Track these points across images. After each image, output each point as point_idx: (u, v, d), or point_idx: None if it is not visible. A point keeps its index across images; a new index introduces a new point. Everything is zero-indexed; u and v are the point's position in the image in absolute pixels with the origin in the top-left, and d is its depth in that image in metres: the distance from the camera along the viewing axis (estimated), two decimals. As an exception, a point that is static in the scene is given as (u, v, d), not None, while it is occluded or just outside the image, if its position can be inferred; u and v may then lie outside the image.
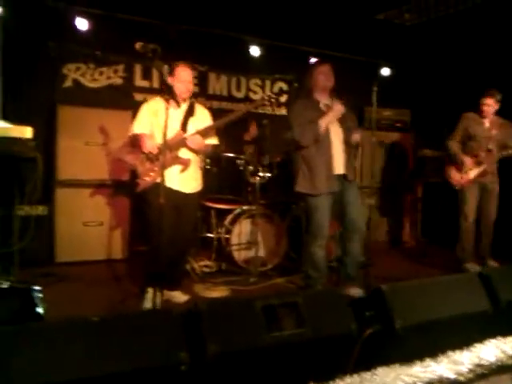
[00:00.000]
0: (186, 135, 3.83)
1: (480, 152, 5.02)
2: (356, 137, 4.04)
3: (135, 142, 3.88)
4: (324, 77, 4.04)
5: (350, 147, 4.09)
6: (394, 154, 6.85)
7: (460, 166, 5.09)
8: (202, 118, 4.00)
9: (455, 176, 5.14)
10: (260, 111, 6.61)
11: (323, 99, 4.10)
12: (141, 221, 4.21)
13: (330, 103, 4.03)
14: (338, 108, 3.94)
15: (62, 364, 1.77)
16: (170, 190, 3.66)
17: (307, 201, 4.09)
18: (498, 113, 5.08)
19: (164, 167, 3.47)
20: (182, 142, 3.81)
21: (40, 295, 2.71)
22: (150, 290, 3.74)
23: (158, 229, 3.31)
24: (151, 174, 3.74)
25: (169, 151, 3.69)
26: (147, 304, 3.74)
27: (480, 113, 5.08)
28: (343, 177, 4.05)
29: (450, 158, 5.20)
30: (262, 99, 4.11)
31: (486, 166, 5.00)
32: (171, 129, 3.67)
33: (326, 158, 3.97)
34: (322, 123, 3.90)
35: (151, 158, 3.77)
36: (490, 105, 5.00)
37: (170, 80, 3.78)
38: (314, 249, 4.08)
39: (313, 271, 4.10)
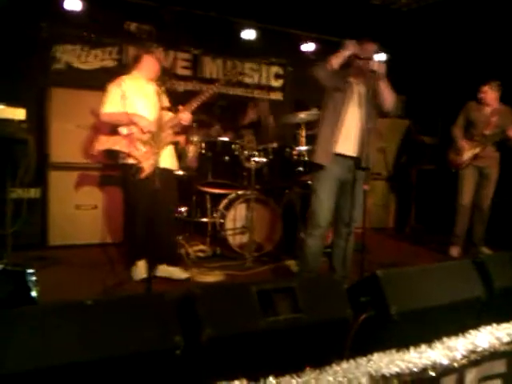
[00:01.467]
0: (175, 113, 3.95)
1: (475, 136, 5.09)
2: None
3: (112, 124, 3.91)
4: None
5: (369, 133, 3.63)
6: (388, 141, 6.84)
7: (457, 150, 5.22)
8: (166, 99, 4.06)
9: (452, 159, 5.29)
10: (255, 96, 6.60)
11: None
12: (128, 203, 4.18)
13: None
14: (375, 60, 3.59)
15: (55, 348, 1.75)
16: (162, 169, 3.65)
17: (312, 175, 3.89)
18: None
19: (161, 148, 3.51)
20: (175, 120, 3.89)
21: (33, 278, 2.69)
22: (139, 263, 3.87)
23: (146, 209, 3.41)
24: (152, 157, 3.73)
25: (162, 131, 3.74)
26: (137, 276, 3.88)
27: (480, 101, 5.19)
28: (355, 162, 3.69)
29: (452, 144, 5.32)
30: (226, 77, 4.33)
31: (479, 150, 5.09)
32: (146, 106, 3.84)
33: (331, 130, 3.68)
34: (334, 56, 3.63)
35: (145, 141, 3.75)
36: (486, 92, 5.11)
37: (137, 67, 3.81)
38: (306, 238, 3.86)
39: (301, 263, 3.95)
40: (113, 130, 3.94)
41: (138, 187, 3.80)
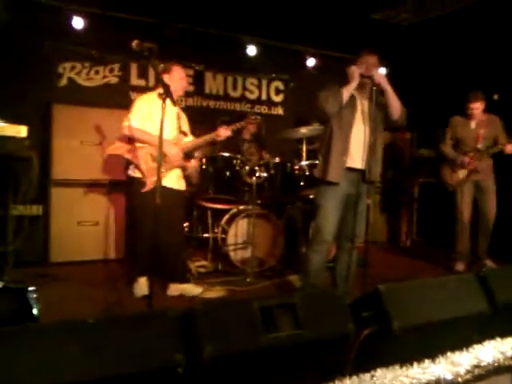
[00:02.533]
0: (185, 139, 4.11)
1: (469, 152, 5.05)
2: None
3: (132, 137, 3.90)
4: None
5: (374, 146, 3.69)
6: (390, 154, 6.85)
7: (454, 166, 5.15)
8: (185, 121, 4.23)
9: (449, 178, 5.20)
10: (256, 110, 6.63)
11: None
12: (131, 217, 4.20)
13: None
14: (377, 74, 3.61)
15: (56, 366, 1.74)
16: (169, 189, 3.83)
17: (317, 190, 3.86)
18: (495, 111, 5.11)
19: (171, 168, 3.82)
20: (212, 136, 4.15)
21: (34, 296, 2.69)
22: (140, 280, 3.89)
23: (149, 225, 3.49)
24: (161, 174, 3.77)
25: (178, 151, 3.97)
26: (138, 293, 3.88)
27: (468, 116, 5.14)
28: (362, 175, 3.69)
29: (444, 161, 5.26)
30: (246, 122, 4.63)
31: (475, 165, 5.04)
32: (167, 128, 3.78)
33: (342, 147, 3.68)
34: (345, 91, 3.62)
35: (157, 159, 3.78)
36: (477, 108, 5.06)
37: (166, 79, 3.78)
38: (309, 253, 3.84)
39: (304, 278, 3.92)
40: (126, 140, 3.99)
41: (142, 202, 3.81)
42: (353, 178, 3.70)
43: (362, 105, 3.78)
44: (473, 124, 5.13)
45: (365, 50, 3.81)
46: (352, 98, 3.73)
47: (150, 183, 3.80)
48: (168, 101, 3.79)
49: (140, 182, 3.84)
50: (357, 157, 3.69)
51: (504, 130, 5.09)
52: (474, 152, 5.06)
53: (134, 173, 3.91)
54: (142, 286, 3.91)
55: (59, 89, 5.44)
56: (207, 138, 4.16)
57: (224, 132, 4.15)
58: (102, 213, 5.23)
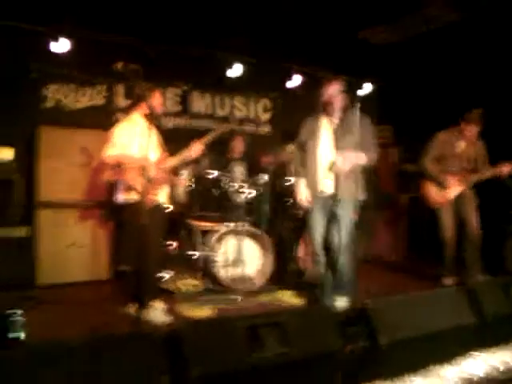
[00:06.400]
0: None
1: (460, 171, 5.04)
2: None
3: (117, 162, 3.91)
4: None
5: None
6: (377, 170, 6.89)
7: (440, 186, 5.10)
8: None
9: (435, 195, 5.15)
10: (244, 128, 6.66)
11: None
12: (131, 240, 4.14)
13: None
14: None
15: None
16: (160, 206, 3.89)
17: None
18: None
19: (162, 185, 3.89)
20: (186, 154, 4.08)
21: (21, 319, 2.67)
22: (158, 303, 3.88)
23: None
24: (154, 192, 3.83)
25: (162, 170, 3.96)
26: (159, 318, 3.81)
27: (460, 135, 5.06)
28: (335, 195, 3.95)
29: (427, 177, 5.21)
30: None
31: (466, 187, 5.03)
32: (153, 147, 3.85)
33: (310, 176, 4.07)
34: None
35: (148, 178, 3.78)
36: (473, 131, 4.99)
37: (152, 101, 3.82)
38: (315, 266, 4.22)
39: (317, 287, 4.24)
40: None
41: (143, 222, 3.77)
42: (329, 198, 3.99)
43: (331, 127, 4.02)
44: (462, 144, 5.07)
45: (327, 77, 4.18)
46: (318, 124, 4.05)
47: (149, 202, 3.79)
48: (146, 121, 3.86)
49: (134, 203, 3.81)
50: (325, 182, 3.99)
51: (486, 155, 5.08)
52: (465, 171, 5.02)
53: (128, 195, 3.89)
54: (159, 311, 3.87)
55: (45, 111, 5.43)
56: (183, 155, 4.11)
57: (197, 147, 4.10)
58: (89, 234, 5.20)
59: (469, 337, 2.67)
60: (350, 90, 4.04)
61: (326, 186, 3.99)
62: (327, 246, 4.12)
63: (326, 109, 4.03)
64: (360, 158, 3.88)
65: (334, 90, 3.98)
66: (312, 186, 4.07)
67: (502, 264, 5.16)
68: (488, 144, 5.17)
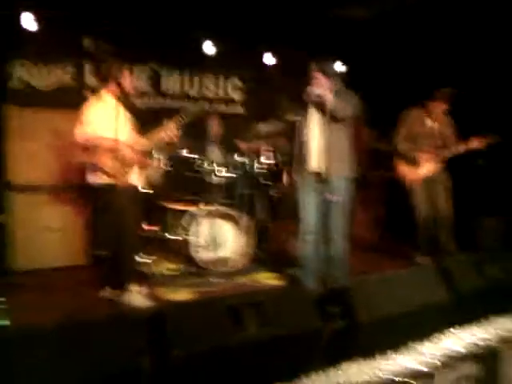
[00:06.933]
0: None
1: (430, 148, 5.11)
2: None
3: (88, 142, 3.82)
4: None
5: (337, 140, 4.00)
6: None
7: (412, 163, 5.16)
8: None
9: (408, 174, 5.21)
10: (216, 110, 6.58)
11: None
12: (106, 223, 4.06)
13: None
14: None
15: (22, 374, 1.70)
16: (135, 186, 3.85)
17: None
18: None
19: (132, 166, 3.79)
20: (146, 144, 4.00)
21: (3, 307, 2.62)
22: (137, 287, 3.82)
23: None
24: (125, 174, 3.76)
25: (133, 151, 3.87)
26: (138, 302, 3.76)
27: (428, 112, 5.14)
28: (326, 173, 3.98)
29: (399, 156, 5.26)
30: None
31: (437, 164, 5.10)
32: (124, 128, 3.79)
33: (301, 153, 4.11)
34: None
35: (119, 159, 3.71)
36: (441, 108, 5.07)
37: (121, 80, 3.75)
38: (300, 242, 4.17)
39: (298, 268, 4.20)
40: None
41: (116, 205, 3.70)
42: (318, 178, 4.03)
43: (319, 111, 4.02)
44: (430, 122, 5.16)
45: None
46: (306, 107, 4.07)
47: (121, 184, 3.73)
48: (117, 101, 3.77)
49: (108, 186, 3.74)
50: (316, 159, 4.04)
51: (455, 132, 5.17)
52: (434, 148, 5.09)
53: (99, 179, 3.81)
54: (137, 295, 3.82)
55: (11, 90, 5.25)
56: (155, 136, 4.04)
57: (169, 129, 4.04)
58: (65, 218, 5.08)
59: (446, 314, 2.72)
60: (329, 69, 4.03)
61: (318, 162, 4.01)
62: (319, 227, 4.14)
63: (317, 106, 4.03)
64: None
65: (322, 89, 3.95)
66: (303, 162, 4.09)
67: (474, 242, 5.27)
68: (457, 123, 5.25)
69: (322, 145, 3.99)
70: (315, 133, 4.07)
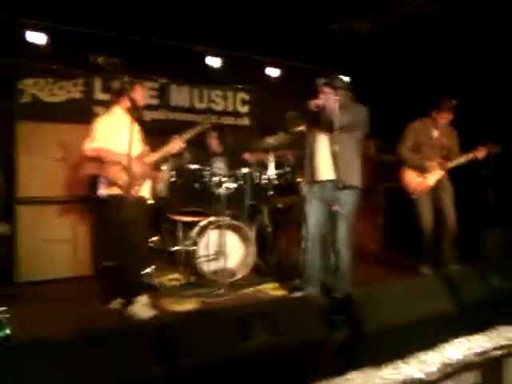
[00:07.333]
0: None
1: (435, 158, 5.14)
2: None
3: (98, 156, 3.89)
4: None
5: (344, 152, 3.99)
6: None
7: (419, 172, 5.20)
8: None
9: (413, 183, 5.23)
10: (222, 122, 6.67)
11: None
12: (115, 235, 4.11)
13: None
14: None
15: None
16: (143, 199, 3.92)
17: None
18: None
19: (144, 180, 3.90)
20: (167, 149, 4.13)
21: (5, 317, 2.65)
22: (143, 298, 3.87)
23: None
24: (135, 187, 3.83)
25: (144, 165, 3.95)
26: (145, 313, 3.79)
27: (433, 123, 5.18)
28: (334, 183, 4.00)
29: (406, 164, 5.30)
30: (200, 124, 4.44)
31: (442, 173, 5.13)
32: (135, 143, 3.82)
33: (310, 164, 4.21)
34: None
35: (129, 172, 3.78)
36: (446, 118, 5.10)
37: (133, 95, 3.82)
38: (305, 252, 4.23)
39: (303, 278, 4.29)
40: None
41: (126, 217, 3.74)
42: (325, 187, 4.12)
43: (327, 121, 4.02)
44: (435, 132, 5.19)
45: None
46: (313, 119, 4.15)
47: (131, 196, 3.78)
48: (129, 115, 3.84)
49: (117, 198, 3.81)
50: (325, 168, 4.10)
51: (459, 142, 5.21)
52: (441, 159, 5.13)
53: (110, 191, 3.88)
54: (143, 306, 3.87)
55: (22, 105, 5.36)
56: (164, 150, 4.15)
57: (176, 143, 4.16)
58: (71, 230, 5.15)
59: (450, 323, 2.74)
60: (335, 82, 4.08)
61: (326, 172, 4.09)
62: (322, 237, 4.23)
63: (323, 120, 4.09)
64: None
65: (326, 101, 3.99)
66: (311, 172, 4.19)
67: (478, 252, 5.29)
68: (461, 134, 5.29)
69: (329, 156, 4.04)
70: (322, 144, 4.14)
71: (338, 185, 3.94)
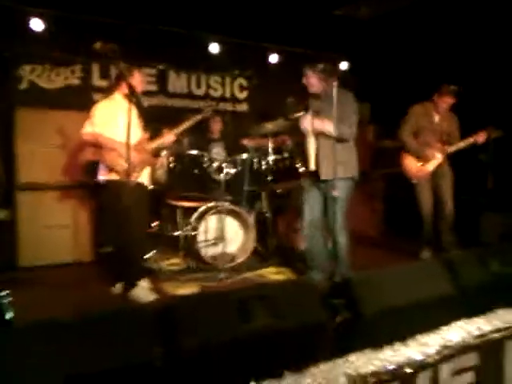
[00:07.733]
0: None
1: (436, 143, 5.14)
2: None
3: (96, 141, 3.88)
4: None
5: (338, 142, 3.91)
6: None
7: (419, 158, 5.19)
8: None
9: (413, 168, 5.22)
10: (220, 108, 6.64)
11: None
12: (115, 220, 4.11)
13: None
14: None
15: (33, 368, 1.74)
16: (145, 185, 3.96)
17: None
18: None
19: (143, 166, 3.93)
20: (161, 142, 4.17)
21: (7, 300, 2.66)
22: (144, 282, 3.91)
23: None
24: (134, 173, 3.84)
25: (142, 151, 3.95)
26: (146, 297, 3.82)
27: (431, 107, 5.16)
28: (317, 173, 4.06)
29: (406, 150, 5.28)
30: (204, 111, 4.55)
31: (443, 158, 5.13)
32: (134, 127, 3.77)
33: (304, 152, 4.23)
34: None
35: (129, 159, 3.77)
36: (447, 103, 5.07)
37: (132, 81, 3.80)
38: (303, 237, 4.38)
39: (302, 262, 4.42)
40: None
41: (126, 202, 3.73)
42: (316, 178, 4.11)
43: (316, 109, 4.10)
44: (436, 117, 5.17)
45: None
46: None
47: (131, 181, 3.78)
48: (127, 101, 3.83)
49: (117, 183, 3.80)
50: (313, 158, 4.15)
51: (459, 127, 5.20)
52: (440, 143, 5.12)
53: (109, 176, 3.87)
54: (145, 290, 3.90)
55: (20, 92, 5.34)
56: (157, 142, 4.17)
57: (168, 137, 4.21)
58: (71, 215, 5.17)
59: (450, 307, 2.75)
60: (329, 68, 4.05)
61: (317, 163, 4.09)
62: (321, 224, 4.25)
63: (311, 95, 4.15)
64: (326, 126, 3.94)
65: (313, 80, 4.06)
66: (305, 160, 4.22)
67: (477, 237, 5.31)
68: (461, 118, 5.27)
69: (321, 146, 4.07)
70: (310, 133, 4.16)
71: (330, 175, 3.92)
